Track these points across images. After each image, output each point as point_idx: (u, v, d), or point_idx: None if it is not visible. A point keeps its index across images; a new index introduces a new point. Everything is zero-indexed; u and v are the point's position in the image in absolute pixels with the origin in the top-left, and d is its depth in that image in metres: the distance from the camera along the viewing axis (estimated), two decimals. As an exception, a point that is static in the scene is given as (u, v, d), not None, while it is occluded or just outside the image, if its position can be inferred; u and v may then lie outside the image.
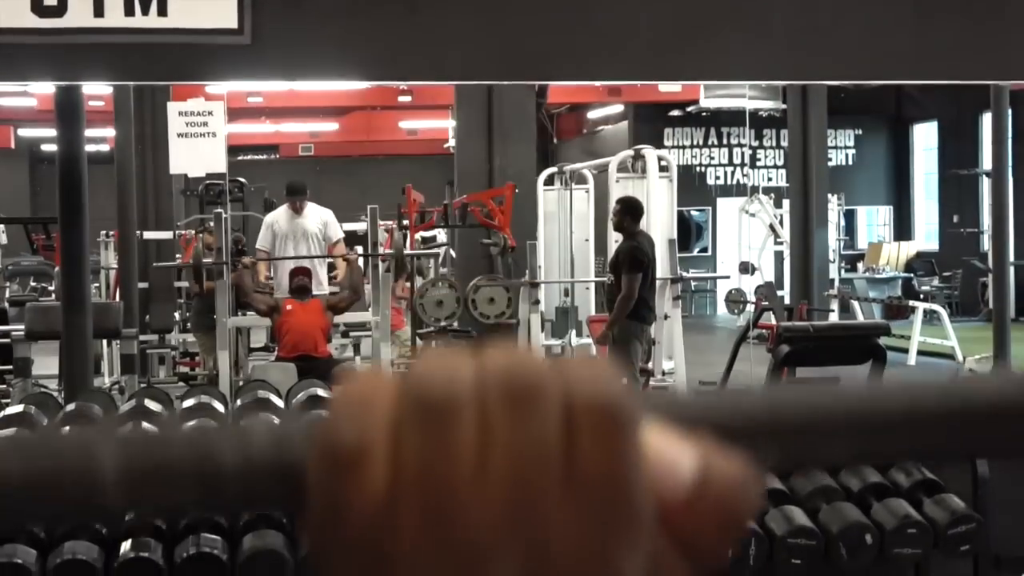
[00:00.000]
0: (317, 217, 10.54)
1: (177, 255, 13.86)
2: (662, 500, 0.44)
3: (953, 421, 0.51)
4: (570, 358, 0.46)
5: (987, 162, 19.17)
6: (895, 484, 5.22)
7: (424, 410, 0.43)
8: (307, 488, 0.43)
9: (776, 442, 0.49)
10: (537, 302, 10.04)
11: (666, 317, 10.08)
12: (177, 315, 12.64)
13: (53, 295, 15.89)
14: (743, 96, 18.40)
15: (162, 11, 4.47)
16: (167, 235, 14.09)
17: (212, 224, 11.43)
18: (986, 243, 20.18)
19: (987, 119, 17.58)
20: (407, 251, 10.54)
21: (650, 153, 13.62)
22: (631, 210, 9.02)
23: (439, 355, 0.45)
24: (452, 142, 19.34)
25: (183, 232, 14.12)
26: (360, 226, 13.91)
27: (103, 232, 13.87)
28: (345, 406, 0.44)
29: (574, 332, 15.06)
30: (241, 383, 8.49)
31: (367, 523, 0.42)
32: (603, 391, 0.44)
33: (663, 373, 10.37)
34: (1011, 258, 15.04)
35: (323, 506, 0.43)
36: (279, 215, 10.62)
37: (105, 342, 11.00)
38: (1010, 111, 14.23)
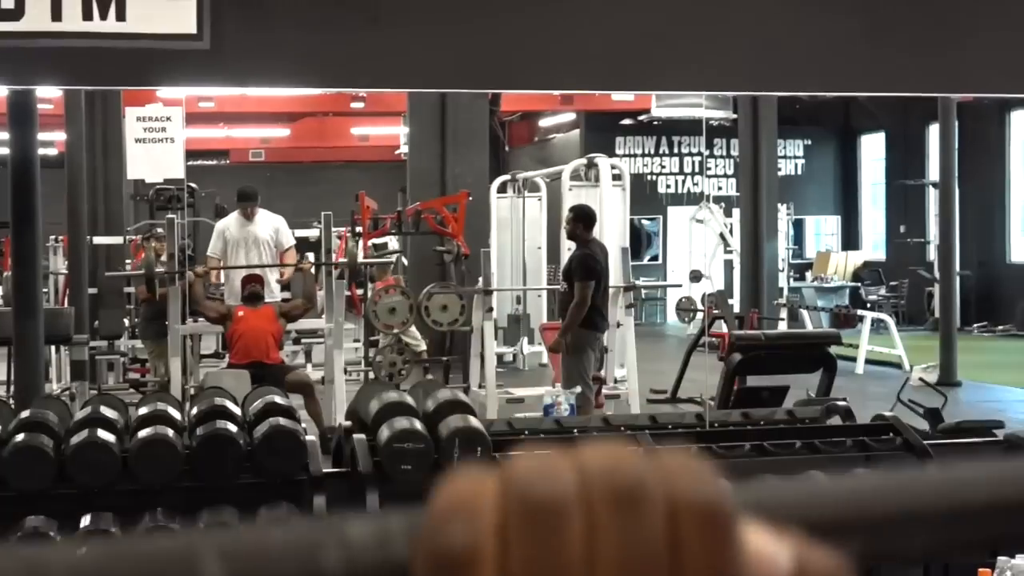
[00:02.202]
0: (268, 224, 10.50)
1: (127, 260, 13.76)
2: None
3: None
4: (664, 453, 0.45)
5: (933, 173, 19.42)
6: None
7: (530, 514, 0.42)
8: None
9: (868, 534, 0.48)
10: (491, 309, 10.05)
11: (619, 325, 10.11)
12: (127, 321, 12.54)
13: (0, 300, 15.72)
14: (694, 106, 18.50)
15: (120, 16, 4.45)
16: (117, 240, 13.98)
17: (160, 231, 11.37)
18: (932, 253, 20.43)
19: (934, 130, 17.81)
20: (361, 259, 10.54)
21: (603, 162, 13.67)
22: (584, 218, 9.06)
23: (536, 456, 0.44)
24: (404, 149, 19.32)
25: (133, 237, 14.02)
26: (313, 232, 13.87)
27: (52, 237, 13.73)
28: (449, 509, 0.43)
29: (526, 339, 15.09)
30: (192, 390, 8.44)
31: None
32: (705, 490, 0.44)
33: (615, 381, 10.40)
34: (956, 268, 15.24)
35: None
36: (230, 222, 10.56)
37: (53, 348, 10.89)
38: (956, 123, 14.43)
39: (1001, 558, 3.19)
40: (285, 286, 11.30)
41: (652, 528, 0.42)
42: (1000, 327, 20.02)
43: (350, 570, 0.44)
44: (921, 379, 11.21)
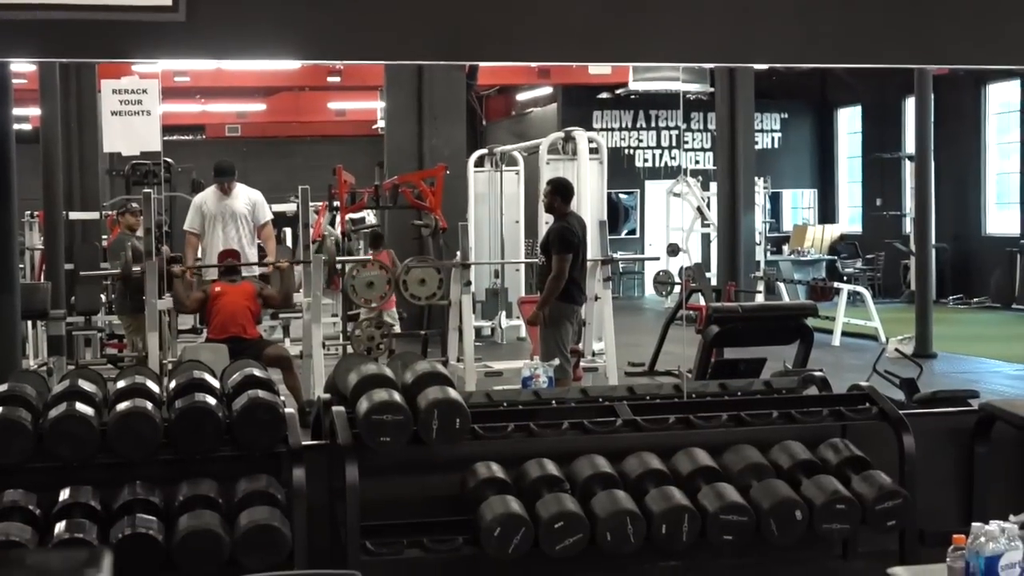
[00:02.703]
0: (246, 198, 10.46)
1: (103, 235, 13.70)
2: None
3: None
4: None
5: (909, 146, 19.46)
6: (824, 461, 5.32)
7: None
8: None
9: None
10: (469, 283, 10.05)
11: (596, 298, 10.12)
12: (103, 296, 12.50)
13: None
14: (671, 79, 18.50)
15: (95, -12, 4.42)
16: (93, 215, 13.92)
17: (134, 205, 11.31)
18: (908, 226, 20.49)
19: (910, 103, 17.85)
20: (339, 257, 10.55)
21: (581, 135, 13.66)
22: (562, 191, 9.06)
23: None
24: (381, 123, 19.27)
25: (109, 213, 13.97)
26: (290, 207, 13.84)
27: (27, 212, 13.67)
28: None
29: (504, 313, 15.11)
30: (170, 365, 8.43)
31: None
32: None
33: (593, 354, 10.43)
34: (932, 240, 15.30)
35: None
36: (207, 196, 10.52)
37: (30, 324, 10.85)
38: (932, 96, 14.46)
39: (975, 524, 3.22)
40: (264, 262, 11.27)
41: None
42: (975, 299, 20.14)
43: None
44: (897, 350, 11.30)
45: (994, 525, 3.20)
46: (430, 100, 15.59)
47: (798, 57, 6.17)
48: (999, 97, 20.73)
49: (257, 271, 10.42)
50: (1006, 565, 3.14)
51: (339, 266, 10.53)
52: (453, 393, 4.99)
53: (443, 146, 15.39)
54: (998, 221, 20.87)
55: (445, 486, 5.10)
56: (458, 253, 10.16)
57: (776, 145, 24.96)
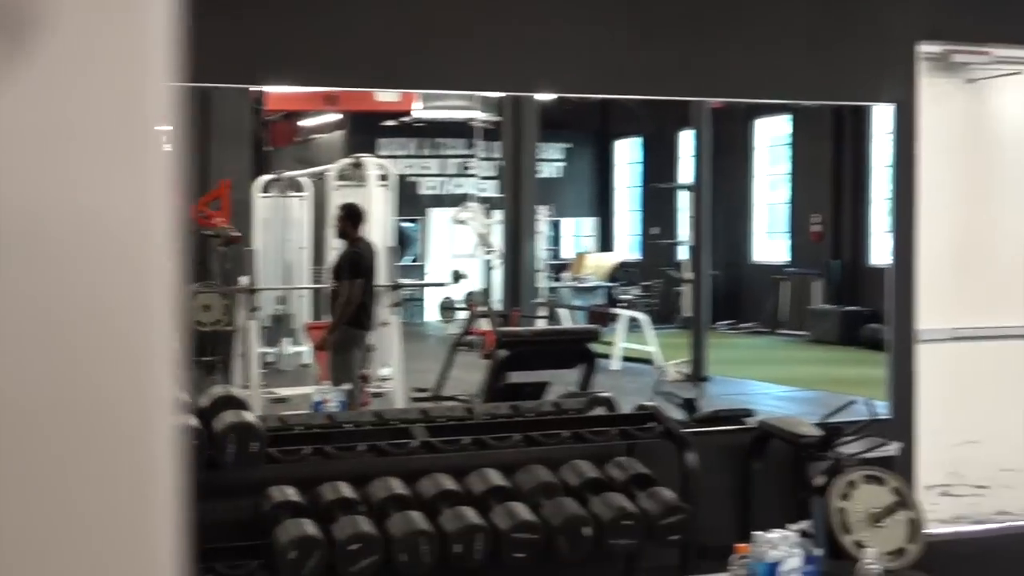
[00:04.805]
0: None
1: None
2: None
3: None
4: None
5: (683, 177, 20.14)
6: (611, 478, 5.49)
7: None
8: None
9: None
10: (255, 309, 9.97)
11: (384, 324, 10.17)
12: None
13: None
14: (460, 108, 18.70)
15: None
16: None
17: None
18: (680, 254, 21.17)
19: (684, 136, 18.51)
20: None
21: (369, 161, 13.71)
22: (352, 216, 9.11)
23: None
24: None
25: None
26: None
27: None
28: None
29: (288, 340, 14.96)
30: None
31: None
32: None
33: (380, 380, 10.46)
34: (709, 268, 15.88)
35: None
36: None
37: None
38: (712, 128, 15.03)
39: (757, 532, 3.40)
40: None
41: None
42: (745, 324, 20.93)
43: None
44: (677, 372, 11.69)
45: (775, 533, 3.38)
46: (215, 125, 15.38)
47: (584, 88, 6.38)
48: (770, 131, 21.67)
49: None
50: (786, 570, 3.33)
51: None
52: (249, 416, 4.98)
53: (228, 172, 15.19)
54: (768, 250, 21.79)
55: (239, 511, 5.06)
56: (240, 279, 10.07)
57: (561, 174, 25.46)
